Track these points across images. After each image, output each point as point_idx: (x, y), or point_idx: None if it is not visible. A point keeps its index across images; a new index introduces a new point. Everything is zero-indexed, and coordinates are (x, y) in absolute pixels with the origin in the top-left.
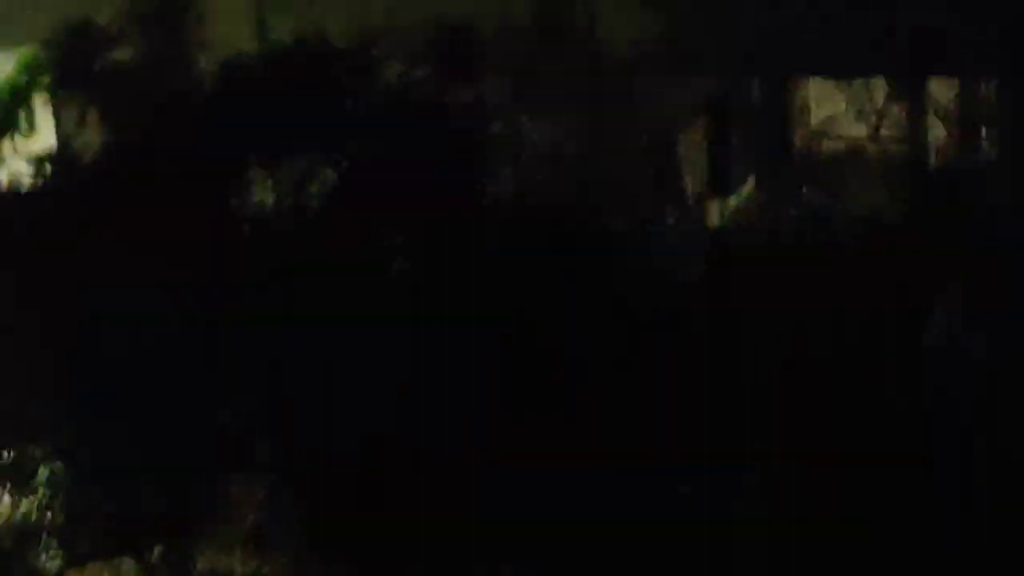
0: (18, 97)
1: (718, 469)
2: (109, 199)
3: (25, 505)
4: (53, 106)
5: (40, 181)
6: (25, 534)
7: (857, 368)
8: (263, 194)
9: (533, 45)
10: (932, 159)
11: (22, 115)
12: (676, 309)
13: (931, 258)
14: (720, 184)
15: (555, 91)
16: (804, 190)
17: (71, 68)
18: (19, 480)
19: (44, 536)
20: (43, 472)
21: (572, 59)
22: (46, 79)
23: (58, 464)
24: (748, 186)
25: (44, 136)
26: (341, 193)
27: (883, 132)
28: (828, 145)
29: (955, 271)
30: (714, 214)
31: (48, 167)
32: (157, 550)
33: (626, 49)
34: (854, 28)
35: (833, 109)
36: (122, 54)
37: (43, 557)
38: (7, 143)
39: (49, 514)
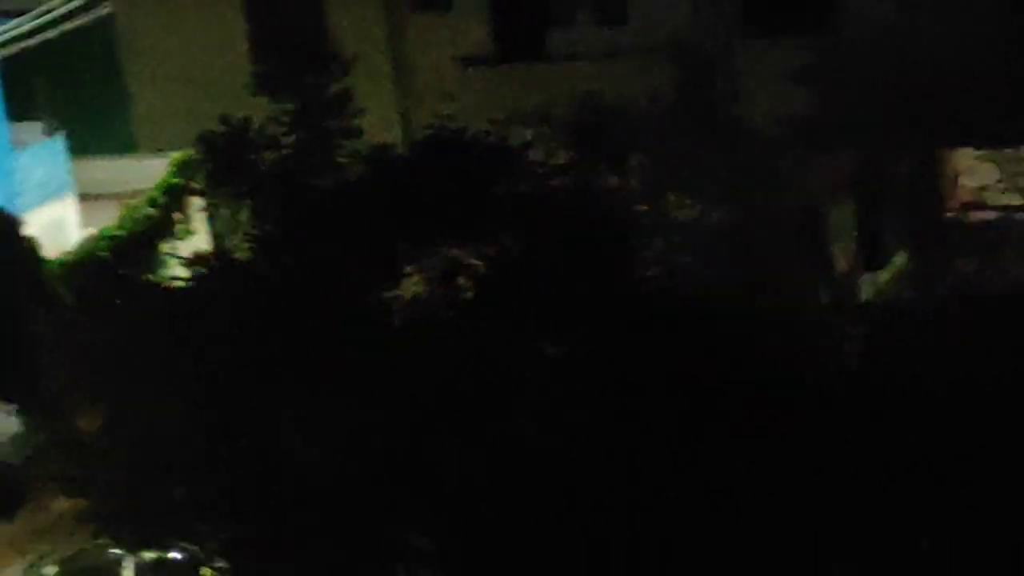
0: (173, 198)
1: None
2: (264, 295)
3: None
4: (207, 206)
5: (197, 280)
6: None
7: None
8: (414, 285)
9: (678, 123)
10: None
11: (177, 216)
12: (836, 386)
13: None
14: (872, 257)
15: (702, 168)
16: (958, 261)
17: (225, 168)
18: None
19: None
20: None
21: (718, 135)
22: (200, 180)
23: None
24: (900, 258)
25: (199, 236)
26: (490, 282)
27: None
28: (980, 215)
29: None
30: (867, 288)
31: (204, 266)
32: None
33: (771, 124)
34: (1003, 97)
35: (984, 179)
36: (273, 152)
37: None
38: (165, 244)
39: None
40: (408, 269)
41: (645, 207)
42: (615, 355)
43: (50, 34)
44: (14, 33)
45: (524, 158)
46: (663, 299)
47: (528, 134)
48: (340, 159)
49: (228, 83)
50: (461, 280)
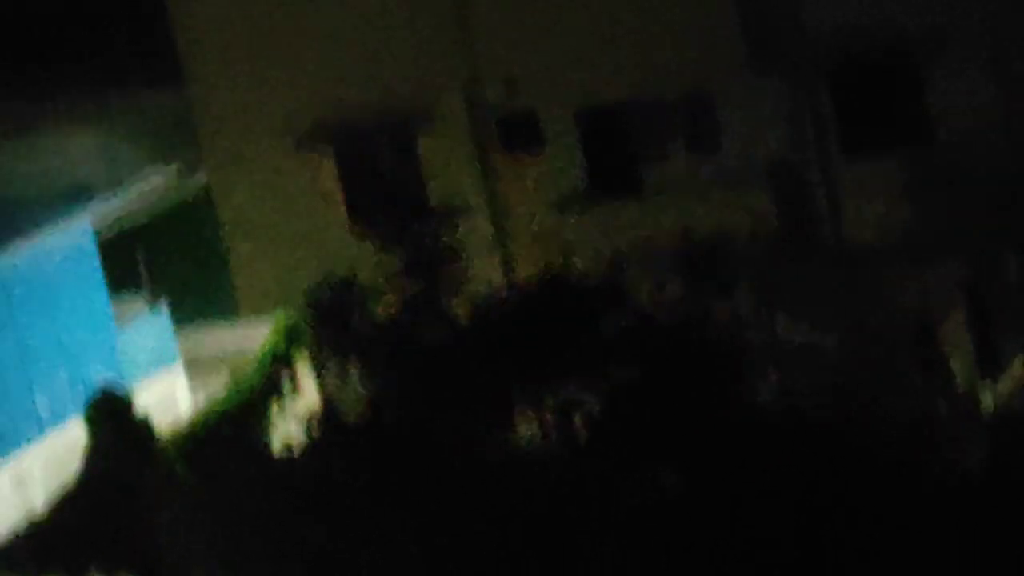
0: (280, 361)
1: None
2: (378, 456)
3: None
4: (315, 366)
5: (310, 443)
6: None
7: None
8: (529, 428)
9: (781, 248)
10: None
11: (285, 377)
12: (963, 499)
13: None
14: (990, 366)
15: (809, 290)
16: None
17: (332, 328)
18: None
19: None
20: None
21: (822, 256)
22: (306, 341)
23: None
24: (1018, 367)
25: (308, 397)
26: (606, 421)
27: None
28: None
29: None
30: (987, 398)
31: (316, 428)
32: None
33: (874, 240)
34: None
35: None
36: (380, 310)
37: None
38: (275, 406)
39: None
40: (523, 411)
41: (755, 333)
42: (735, 483)
43: (149, 207)
44: (113, 210)
45: (631, 295)
46: (780, 425)
47: (633, 269)
48: (448, 309)
49: (326, 244)
50: (577, 419)
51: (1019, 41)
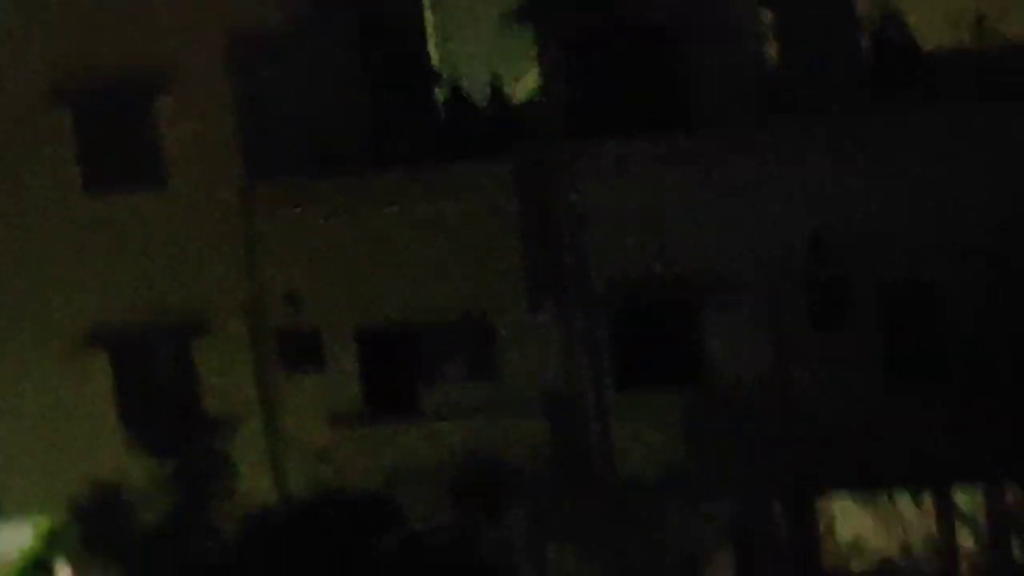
0: (41, 567)
1: None
2: None
3: None
4: (77, 574)
5: None
6: None
7: None
8: None
9: (556, 476)
10: (963, 570)
11: None
12: None
13: None
14: None
15: (580, 520)
16: None
17: (94, 536)
18: None
19: None
20: None
21: (594, 486)
22: (69, 546)
23: None
24: None
25: None
26: None
27: (912, 547)
28: (857, 564)
29: None
30: None
31: None
32: None
33: (645, 473)
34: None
35: (860, 526)
36: (149, 517)
37: None
38: None
39: None
40: None
41: (525, 560)
42: None
43: None
44: None
45: (403, 514)
46: None
47: (406, 489)
48: (217, 521)
49: (96, 448)
50: None
51: (791, 292)
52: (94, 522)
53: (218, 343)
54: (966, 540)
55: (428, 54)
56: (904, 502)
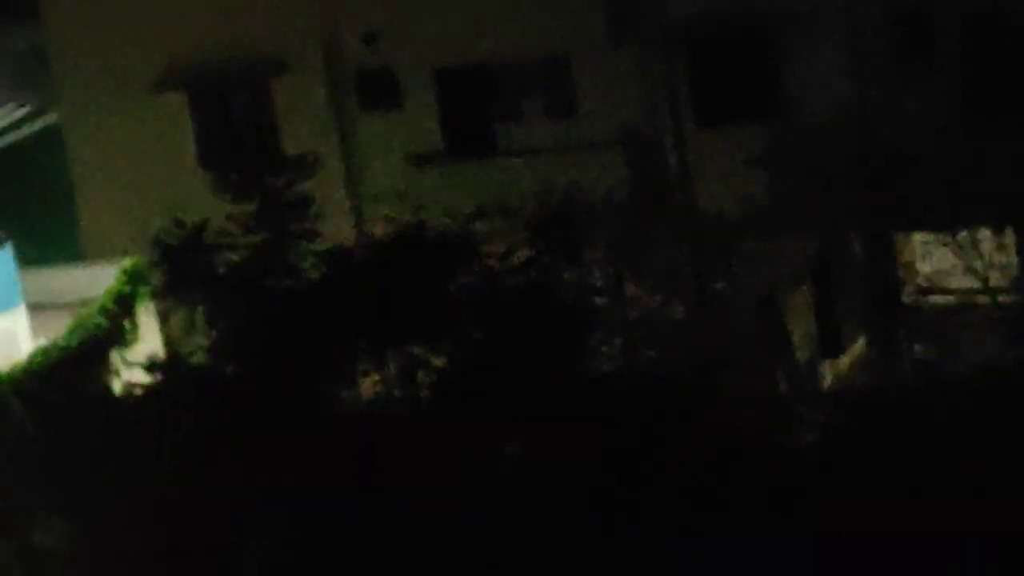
0: (123, 306)
1: None
2: (220, 404)
3: None
4: (159, 312)
5: (153, 387)
6: None
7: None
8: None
9: (634, 214)
10: None
11: (127, 324)
12: (796, 480)
13: None
14: (830, 345)
15: (658, 258)
16: (916, 347)
17: (180, 273)
18: None
19: None
20: None
21: (672, 224)
22: (150, 287)
23: None
24: (859, 345)
25: (153, 343)
26: (449, 381)
27: (992, 284)
28: (937, 299)
29: None
30: (827, 376)
31: (159, 373)
32: None
33: (724, 211)
34: (956, 181)
35: (940, 263)
36: (228, 256)
37: None
38: (117, 352)
39: None
40: (367, 368)
41: (603, 298)
42: (576, 450)
43: None
44: None
45: (481, 253)
46: (621, 392)
47: (484, 228)
48: (297, 261)
49: (176, 189)
50: (420, 377)
51: (873, 26)
52: (177, 261)
53: (297, 83)
54: None
55: None
56: (985, 239)
